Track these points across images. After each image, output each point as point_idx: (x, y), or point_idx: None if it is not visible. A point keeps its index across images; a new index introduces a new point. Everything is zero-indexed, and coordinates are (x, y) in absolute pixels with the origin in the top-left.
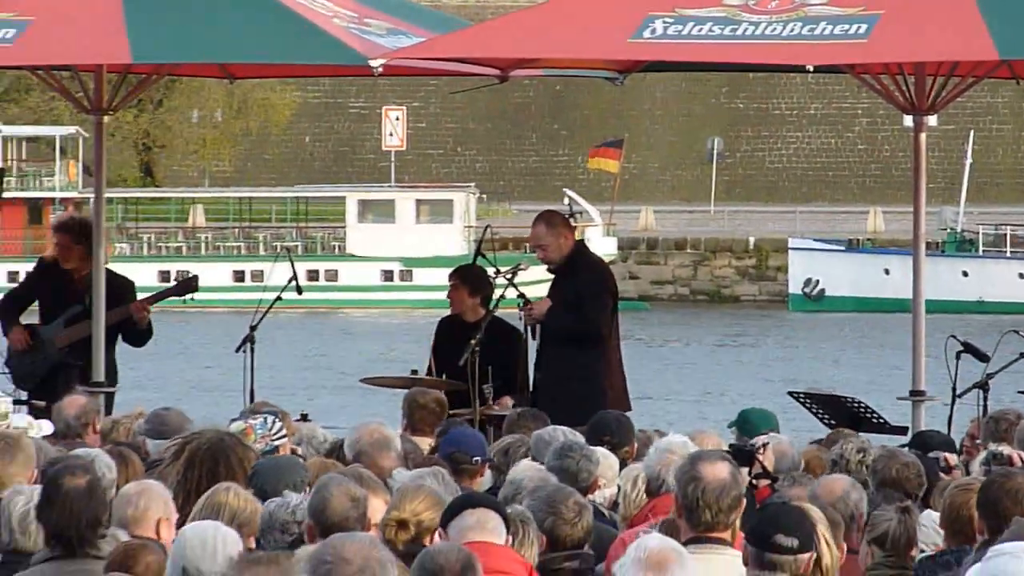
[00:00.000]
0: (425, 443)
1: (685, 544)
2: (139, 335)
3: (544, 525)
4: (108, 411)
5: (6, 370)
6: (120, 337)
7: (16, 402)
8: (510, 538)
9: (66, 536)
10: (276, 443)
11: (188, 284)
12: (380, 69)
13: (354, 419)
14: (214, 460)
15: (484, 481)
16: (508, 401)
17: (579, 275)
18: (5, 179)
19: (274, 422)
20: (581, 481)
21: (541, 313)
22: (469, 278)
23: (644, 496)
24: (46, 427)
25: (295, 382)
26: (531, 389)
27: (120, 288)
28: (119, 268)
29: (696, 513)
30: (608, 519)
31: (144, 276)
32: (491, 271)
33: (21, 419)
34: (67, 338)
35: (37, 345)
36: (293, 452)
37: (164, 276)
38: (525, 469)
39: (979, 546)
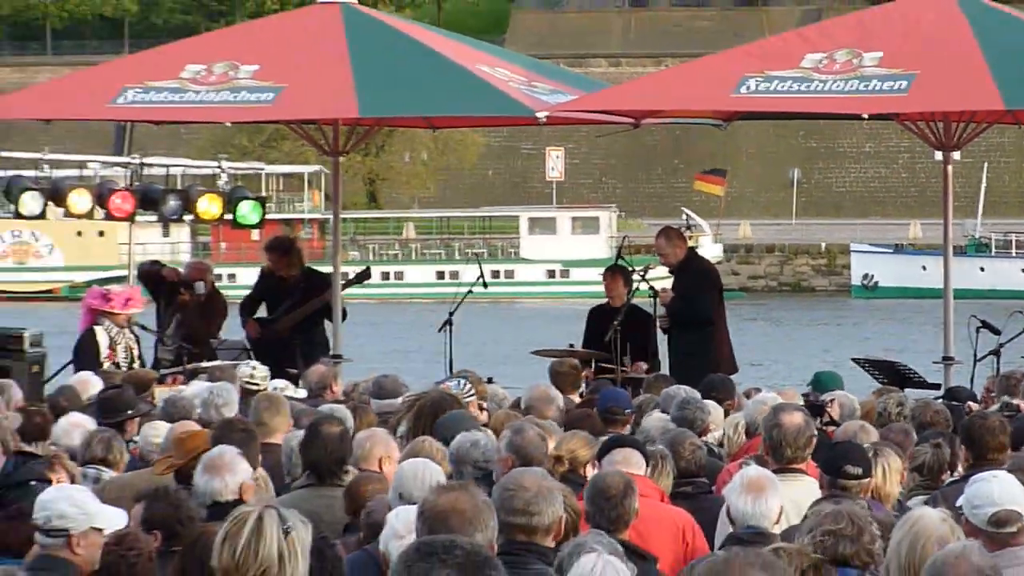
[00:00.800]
0: (572, 396)
1: (775, 472)
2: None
3: (679, 460)
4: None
5: (250, 349)
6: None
7: (274, 376)
8: (649, 470)
9: (319, 469)
10: (467, 400)
11: (363, 274)
12: (544, 119)
13: (527, 381)
14: (435, 412)
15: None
16: (642, 367)
17: (690, 274)
18: (267, 205)
19: (465, 384)
20: (696, 427)
21: (667, 300)
22: (622, 271)
23: (744, 438)
24: (295, 390)
25: (483, 354)
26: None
27: (322, 281)
28: (352, 270)
29: (779, 450)
30: (717, 455)
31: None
32: (629, 269)
33: (280, 383)
34: (285, 324)
35: (266, 331)
36: (480, 407)
37: (384, 276)
38: (655, 420)
39: (964, 473)
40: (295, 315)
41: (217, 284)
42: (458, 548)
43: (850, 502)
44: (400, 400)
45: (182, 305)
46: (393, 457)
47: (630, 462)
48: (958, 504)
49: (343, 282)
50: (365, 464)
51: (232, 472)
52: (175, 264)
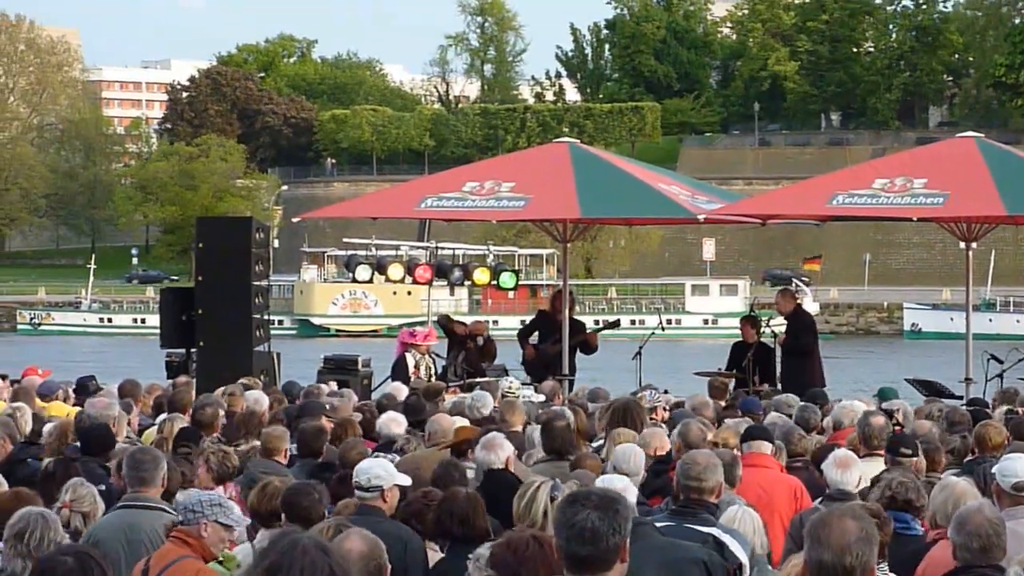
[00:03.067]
0: (720, 402)
1: (862, 457)
2: (591, 349)
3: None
4: (570, 389)
5: (523, 367)
6: (579, 350)
7: (523, 384)
8: (775, 450)
9: (555, 450)
10: (656, 404)
11: (615, 323)
12: (703, 220)
13: (690, 392)
14: (625, 412)
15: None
16: (766, 385)
17: (797, 321)
18: (519, 275)
19: (654, 393)
20: (811, 424)
21: (783, 340)
22: (752, 321)
23: (832, 431)
24: (535, 396)
25: (665, 375)
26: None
27: (578, 325)
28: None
29: (869, 440)
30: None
31: (587, 322)
32: (760, 319)
33: (523, 391)
34: (551, 350)
35: (538, 355)
36: (664, 408)
37: (596, 321)
38: (773, 418)
39: (973, 459)
40: (557, 345)
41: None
42: (594, 494)
43: (903, 471)
44: (601, 403)
45: (467, 350)
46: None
47: (762, 445)
48: (992, 472)
49: (600, 327)
50: (654, 453)
51: (500, 449)
52: (458, 314)
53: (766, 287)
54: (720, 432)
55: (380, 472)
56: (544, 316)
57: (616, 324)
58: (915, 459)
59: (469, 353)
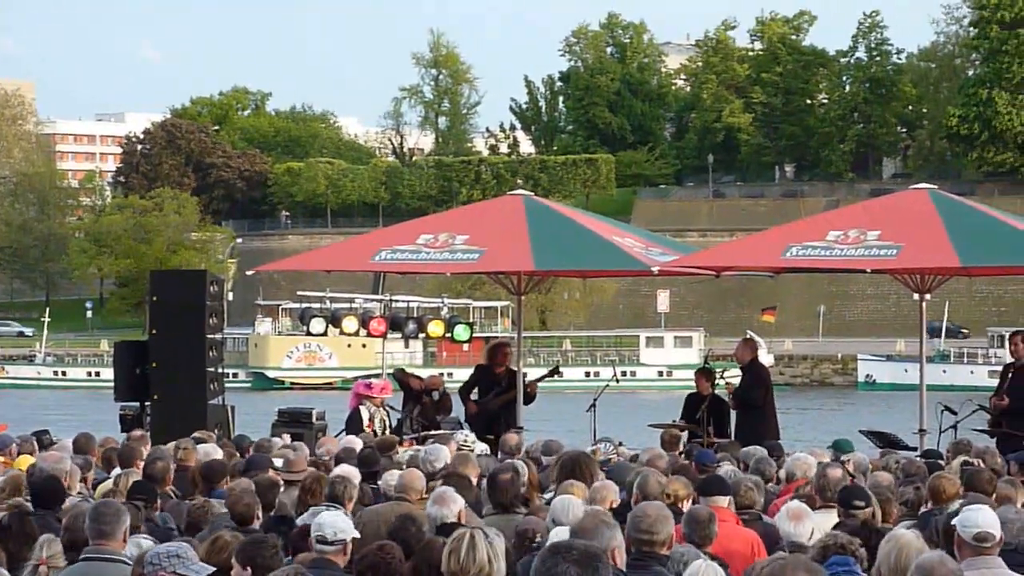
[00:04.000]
0: (674, 453)
1: (816, 509)
2: (531, 399)
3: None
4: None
5: (466, 423)
6: (522, 402)
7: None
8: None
9: (501, 504)
10: (609, 456)
11: (555, 370)
12: (656, 272)
13: (645, 444)
14: (574, 465)
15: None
16: (719, 438)
17: (753, 372)
18: (473, 327)
19: (609, 445)
20: (767, 475)
21: (731, 391)
22: (706, 373)
23: (785, 483)
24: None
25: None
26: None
27: (513, 378)
28: (529, 370)
29: (824, 492)
30: (770, 493)
31: (536, 371)
32: (715, 371)
33: (478, 446)
34: (494, 404)
35: (480, 410)
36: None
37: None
38: (725, 470)
39: (927, 511)
40: (500, 399)
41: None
42: (575, 548)
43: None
44: (553, 457)
45: (423, 404)
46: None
47: (719, 500)
48: (951, 523)
49: (540, 375)
50: (602, 504)
51: (453, 503)
52: (412, 367)
53: (721, 342)
54: (671, 483)
55: (344, 526)
56: (482, 370)
57: (555, 371)
58: (867, 510)
59: (424, 407)
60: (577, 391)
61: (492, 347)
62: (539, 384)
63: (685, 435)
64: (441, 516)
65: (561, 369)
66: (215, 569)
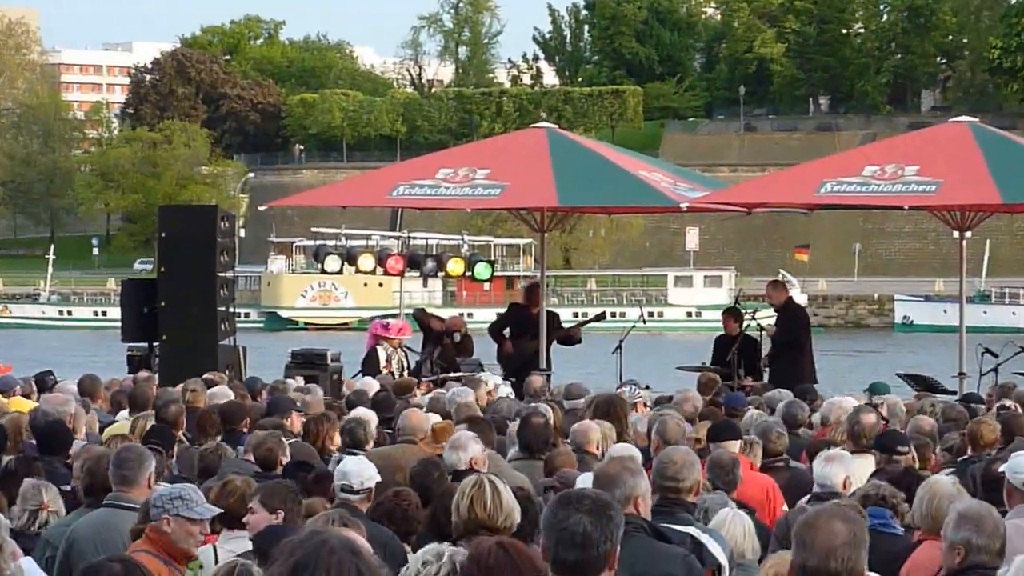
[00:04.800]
0: (707, 397)
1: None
2: (574, 342)
3: (767, 444)
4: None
5: (498, 363)
6: (560, 343)
7: (504, 379)
8: (744, 446)
9: (529, 447)
10: (635, 400)
11: (601, 316)
12: (685, 208)
13: (675, 387)
14: (608, 407)
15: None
16: (750, 379)
17: (789, 313)
18: (495, 266)
19: (635, 389)
20: (799, 419)
21: (772, 332)
22: (734, 314)
23: (820, 427)
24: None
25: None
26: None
27: (553, 318)
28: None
29: (858, 439)
30: (803, 438)
31: (564, 315)
32: (745, 312)
33: (503, 388)
34: (531, 346)
35: (517, 351)
36: (645, 404)
37: (575, 314)
38: (751, 415)
39: (997, 450)
40: (535, 341)
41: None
42: (587, 497)
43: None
44: (583, 400)
45: (443, 346)
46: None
47: (729, 445)
48: (995, 470)
49: (585, 319)
50: (587, 447)
51: (465, 449)
52: (431, 307)
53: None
54: (698, 428)
55: (370, 473)
56: (517, 310)
57: (602, 317)
58: (907, 456)
59: (444, 349)
60: (603, 332)
61: (530, 286)
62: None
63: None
64: (452, 463)
65: (606, 314)
66: (221, 511)
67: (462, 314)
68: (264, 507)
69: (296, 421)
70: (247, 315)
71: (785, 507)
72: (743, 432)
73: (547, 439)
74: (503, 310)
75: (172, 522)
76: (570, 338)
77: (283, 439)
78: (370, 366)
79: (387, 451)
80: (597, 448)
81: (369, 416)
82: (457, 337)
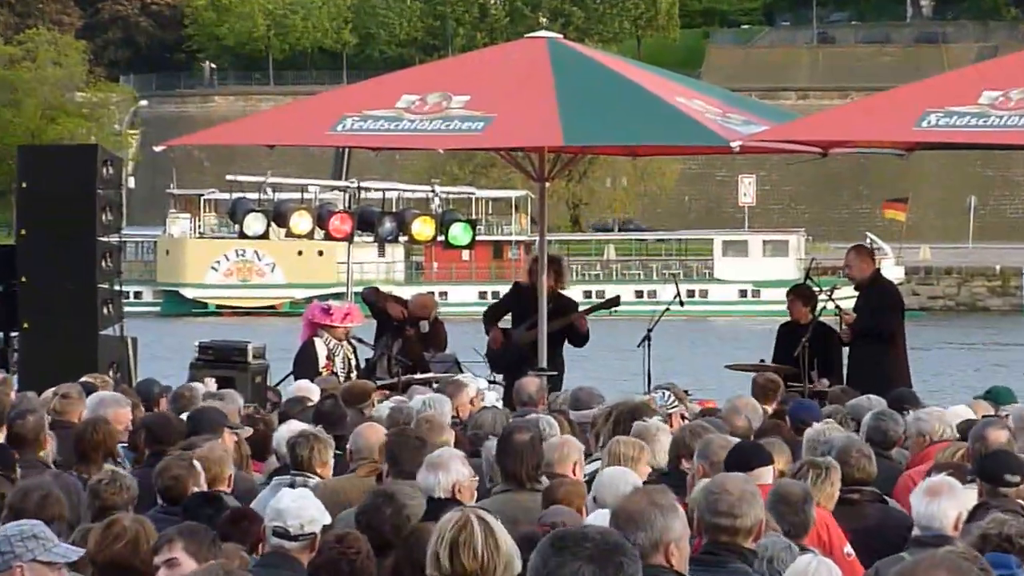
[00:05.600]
0: (768, 407)
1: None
2: (580, 338)
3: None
4: (556, 388)
5: (486, 359)
6: (567, 339)
7: (491, 382)
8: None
9: (515, 477)
10: (670, 411)
11: (612, 301)
12: (738, 149)
13: (721, 394)
14: (631, 418)
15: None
16: (826, 381)
17: (876, 292)
18: (477, 227)
19: (668, 396)
20: (891, 438)
21: (850, 321)
22: (803, 293)
23: (917, 448)
24: (491, 397)
25: (680, 368)
26: (844, 373)
27: (566, 305)
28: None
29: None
30: (897, 462)
31: (572, 295)
32: (816, 290)
33: (490, 395)
34: (527, 338)
35: (508, 343)
36: (682, 416)
37: (587, 294)
38: (818, 429)
39: None
40: (536, 331)
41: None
42: (588, 540)
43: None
44: (595, 410)
45: (405, 337)
46: (582, 462)
47: (760, 474)
48: None
49: (592, 306)
50: (560, 468)
51: (446, 471)
52: (391, 285)
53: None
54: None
55: (314, 514)
56: (523, 291)
57: (614, 303)
58: (1020, 486)
59: (407, 340)
60: (625, 318)
61: (549, 259)
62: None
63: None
64: (428, 488)
65: (620, 299)
66: (83, 552)
67: (431, 293)
68: (191, 555)
69: (229, 443)
70: (139, 295)
71: (849, 550)
72: (814, 450)
73: (537, 463)
74: (490, 288)
75: (27, 570)
76: (573, 331)
77: (195, 464)
78: (306, 365)
79: (335, 484)
80: (576, 471)
81: (316, 431)
82: (424, 326)
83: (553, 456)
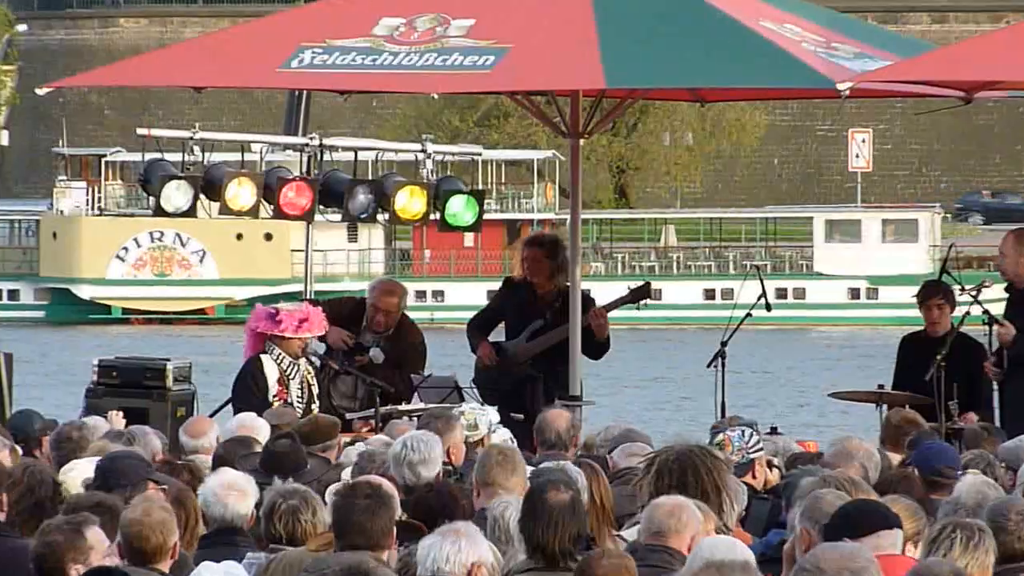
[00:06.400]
0: (896, 457)
1: None
2: (597, 347)
3: (1001, 537)
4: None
5: (473, 386)
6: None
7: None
8: (961, 548)
9: (548, 549)
10: (752, 456)
11: (641, 291)
12: (847, 92)
13: (825, 432)
14: (682, 471)
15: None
16: (973, 417)
17: None
18: (484, 201)
19: (751, 435)
20: None
21: (1007, 338)
22: (938, 294)
23: None
24: (501, 435)
25: (765, 396)
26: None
27: (583, 302)
28: (594, 287)
29: None
30: None
31: (618, 294)
32: (957, 289)
33: (503, 433)
34: (528, 352)
35: (502, 360)
36: (769, 463)
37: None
38: (969, 485)
39: None
40: (540, 340)
41: (420, 304)
42: None
43: None
44: (639, 458)
45: (361, 368)
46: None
47: (882, 538)
48: None
49: (615, 301)
50: (674, 541)
51: (458, 546)
52: (364, 280)
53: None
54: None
55: None
56: (514, 288)
57: (643, 294)
58: None
59: (367, 368)
60: (687, 326)
61: (536, 239)
62: (610, 313)
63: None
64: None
65: (651, 287)
66: None
67: (422, 294)
68: None
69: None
70: (14, 295)
71: None
72: (955, 511)
73: (578, 533)
74: (497, 286)
75: None
76: (591, 339)
77: (88, 533)
78: (249, 391)
79: (293, 556)
80: (692, 546)
81: (298, 489)
82: (379, 358)
83: (667, 523)
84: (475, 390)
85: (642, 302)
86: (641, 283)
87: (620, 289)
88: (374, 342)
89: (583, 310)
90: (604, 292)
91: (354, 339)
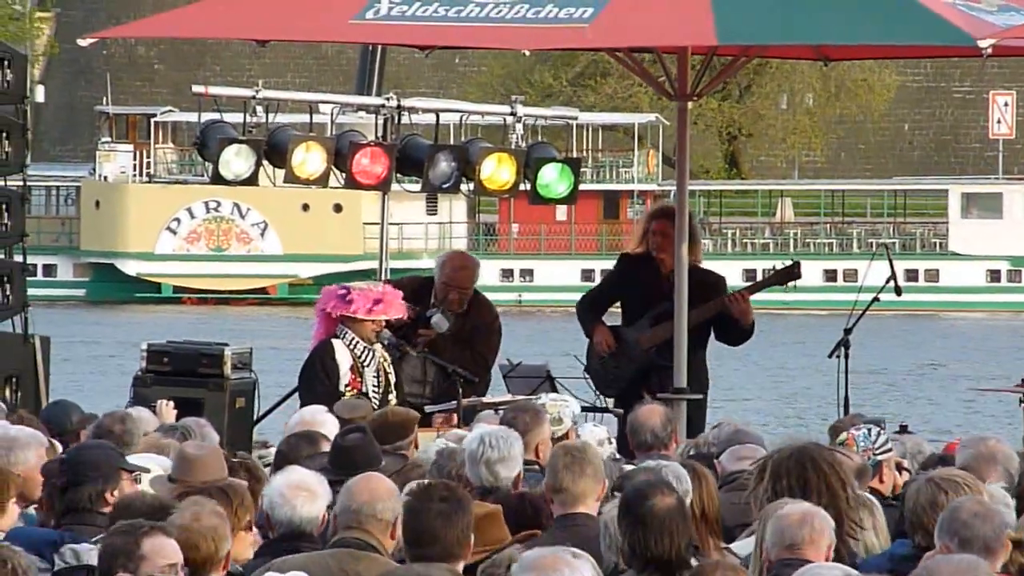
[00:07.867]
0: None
1: None
2: (739, 333)
3: None
4: (694, 420)
5: (587, 376)
6: (713, 335)
7: (588, 409)
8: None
9: (662, 559)
10: (879, 457)
11: (790, 272)
12: (989, 50)
13: (960, 431)
14: (801, 468)
15: None
16: None
17: None
18: (580, 170)
19: (878, 435)
20: None
21: None
22: None
23: None
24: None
25: (892, 390)
26: None
27: (710, 286)
28: (712, 266)
29: None
30: None
31: (728, 274)
32: None
33: (591, 431)
34: (653, 339)
35: (621, 348)
36: (898, 466)
37: (749, 275)
38: None
39: None
40: (668, 325)
41: (506, 284)
42: None
43: None
44: (750, 461)
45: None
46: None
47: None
48: None
49: (764, 280)
50: (810, 552)
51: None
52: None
53: None
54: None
55: None
56: (632, 265)
57: (793, 274)
58: None
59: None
60: (807, 310)
61: (663, 210)
62: (753, 297)
63: None
64: None
65: (800, 267)
66: None
67: (509, 273)
68: None
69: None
70: (51, 270)
71: None
72: None
73: (689, 540)
74: (602, 265)
75: None
76: (730, 323)
77: (144, 538)
78: (317, 380)
79: (337, 557)
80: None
81: (314, 484)
82: (440, 320)
83: (800, 534)
84: (588, 380)
85: (791, 283)
86: (789, 263)
87: (731, 269)
88: (438, 310)
89: (717, 292)
90: (722, 269)
91: (416, 311)
